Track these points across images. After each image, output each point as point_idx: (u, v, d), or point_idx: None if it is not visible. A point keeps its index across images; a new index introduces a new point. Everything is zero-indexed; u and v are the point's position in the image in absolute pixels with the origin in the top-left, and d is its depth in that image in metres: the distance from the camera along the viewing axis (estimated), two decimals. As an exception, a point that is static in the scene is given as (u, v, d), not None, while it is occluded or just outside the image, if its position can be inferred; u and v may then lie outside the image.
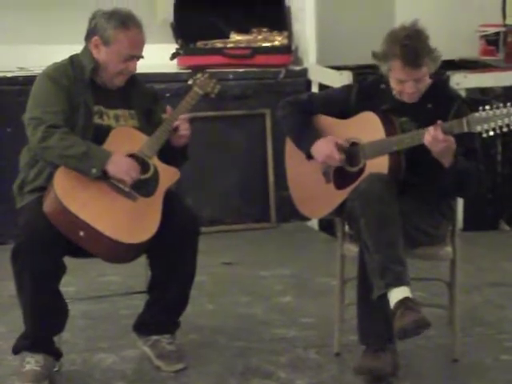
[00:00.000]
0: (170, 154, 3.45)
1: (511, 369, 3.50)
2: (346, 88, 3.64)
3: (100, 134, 3.37)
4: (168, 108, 3.51)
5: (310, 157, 3.52)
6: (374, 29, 4.99)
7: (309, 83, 5.30)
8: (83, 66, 3.40)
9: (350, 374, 3.42)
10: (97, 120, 3.40)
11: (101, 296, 4.08)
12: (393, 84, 3.41)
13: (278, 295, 4.29)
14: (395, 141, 3.38)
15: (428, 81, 3.41)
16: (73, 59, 3.44)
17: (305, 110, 3.58)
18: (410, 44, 3.30)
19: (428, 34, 3.37)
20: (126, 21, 3.36)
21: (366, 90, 3.53)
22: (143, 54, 3.43)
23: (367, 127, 3.45)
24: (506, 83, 5.10)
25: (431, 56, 3.35)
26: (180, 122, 3.45)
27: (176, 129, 3.45)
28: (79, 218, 3.20)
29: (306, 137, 3.52)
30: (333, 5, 5.45)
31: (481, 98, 4.94)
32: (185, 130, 3.46)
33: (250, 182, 5.35)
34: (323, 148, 3.47)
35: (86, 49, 3.43)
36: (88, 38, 3.42)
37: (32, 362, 3.33)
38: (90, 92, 3.40)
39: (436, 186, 3.42)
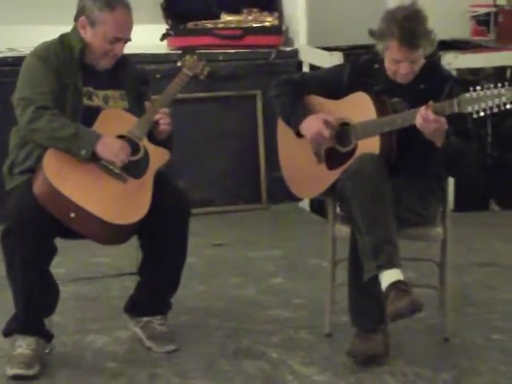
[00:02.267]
0: (153, 143, 3.43)
1: (502, 348, 3.52)
2: (339, 68, 3.64)
3: (89, 115, 3.35)
4: (148, 102, 3.48)
5: (299, 134, 3.51)
6: (365, 10, 5.01)
7: (300, 64, 5.29)
8: (72, 46, 3.38)
9: (342, 355, 3.43)
10: (86, 101, 3.38)
11: (91, 277, 4.09)
12: (387, 63, 3.40)
13: (270, 276, 4.29)
14: (387, 121, 3.37)
15: (422, 62, 3.40)
16: (62, 39, 3.41)
17: (297, 90, 3.57)
18: (408, 25, 3.29)
19: (426, 15, 3.36)
20: (112, 2, 3.32)
21: (359, 70, 3.52)
22: (131, 36, 3.39)
23: (359, 107, 3.45)
24: (497, 63, 5.10)
25: (428, 38, 3.34)
26: (160, 116, 3.42)
27: (157, 122, 3.42)
28: (69, 199, 3.19)
29: (296, 115, 3.50)
30: (323, -15, 5.44)
31: (471, 78, 4.94)
32: (165, 124, 3.43)
33: (241, 163, 5.35)
34: (312, 125, 3.45)
35: (75, 29, 3.41)
36: (76, 18, 3.39)
37: (23, 346, 3.32)
38: (80, 72, 3.38)
39: (427, 166, 3.42)
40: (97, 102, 3.41)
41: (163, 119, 3.42)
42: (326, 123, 3.44)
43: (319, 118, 3.45)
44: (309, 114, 3.48)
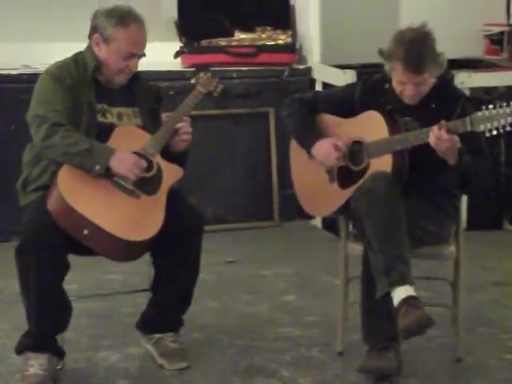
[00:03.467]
0: (168, 159, 3.44)
1: (515, 368, 3.51)
2: (351, 86, 3.64)
3: (103, 132, 3.37)
4: (163, 117, 3.50)
5: (311, 156, 3.52)
6: (378, 28, 5.01)
7: (313, 82, 5.30)
8: (86, 64, 3.39)
9: (354, 373, 3.42)
10: (100, 118, 3.39)
11: (103, 294, 4.08)
12: (394, 84, 3.40)
13: (281, 294, 4.28)
14: (399, 140, 3.37)
15: (431, 82, 3.39)
16: (77, 57, 3.43)
17: (309, 109, 3.58)
18: (414, 49, 3.28)
19: (435, 38, 3.34)
20: (125, 18, 3.34)
21: (371, 89, 3.52)
22: (145, 51, 3.41)
23: (371, 126, 3.45)
24: (510, 83, 5.10)
25: (435, 62, 3.32)
26: (182, 125, 3.44)
27: (176, 131, 3.44)
28: (83, 216, 3.20)
29: (309, 136, 3.51)
30: (337, 4, 5.45)
31: (484, 97, 4.94)
32: (186, 134, 3.44)
33: (254, 180, 5.35)
34: (322, 149, 3.46)
35: (89, 47, 3.42)
36: (90, 36, 3.41)
37: (36, 365, 3.31)
38: (94, 90, 3.39)
39: (440, 184, 3.41)
40: (111, 119, 3.42)
41: (185, 128, 3.43)
42: (336, 148, 3.44)
43: (329, 142, 3.46)
44: (320, 137, 3.49)
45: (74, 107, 3.34)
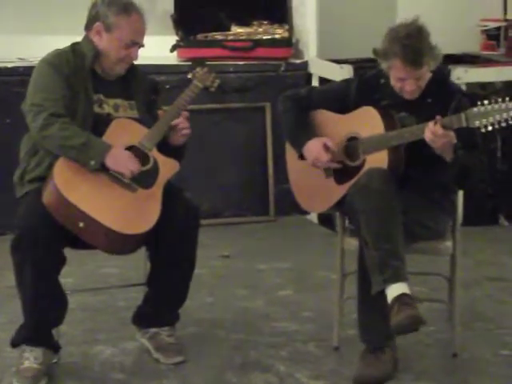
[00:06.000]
0: (166, 151, 3.43)
1: (511, 364, 3.50)
2: (346, 82, 3.63)
3: (100, 123, 3.36)
4: (160, 112, 3.50)
5: (302, 157, 3.51)
6: (375, 23, 4.99)
7: (309, 76, 5.29)
8: (84, 55, 3.39)
9: (349, 368, 3.42)
10: (96, 109, 3.39)
11: (99, 288, 4.08)
12: (393, 81, 3.39)
13: (277, 289, 4.28)
14: (394, 136, 3.37)
15: (428, 76, 3.39)
16: (74, 47, 3.42)
17: (304, 106, 3.57)
18: (411, 44, 3.28)
19: (429, 31, 3.34)
20: (127, 7, 3.36)
21: (366, 85, 3.52)
22: (144, 42, 3.42)
23: (367, 122, 3.44)
24: (507, 78, 5.10)
25: (432, 54, 3.33)
26: (179, 121, 3.44)
27: (174, 127, 3.43)
28: (79, 208, 3.19)
29: (299, 137, 3.52)
30: (334, -2, 5.45)
31: (481, 92, 4.94)
32: (185, 129, 3.44)
33: (250, 175, 5.35)
34: (312, 149, 3.47)
35: (86, 38, 3.42)
36: (89, 26, 3.40)
37: (31, 359, 3.31)
38: (90, 80, 3.38)
39: (436, 180, 3.41)
40: (107, 109, 3.41)
41: (183, 123, 3.43)
42: (326, 148, 3.44)
43: (319, 142, 3.46)
44: (311, 137, 3.48)
45: (70, 96, 3.33)
